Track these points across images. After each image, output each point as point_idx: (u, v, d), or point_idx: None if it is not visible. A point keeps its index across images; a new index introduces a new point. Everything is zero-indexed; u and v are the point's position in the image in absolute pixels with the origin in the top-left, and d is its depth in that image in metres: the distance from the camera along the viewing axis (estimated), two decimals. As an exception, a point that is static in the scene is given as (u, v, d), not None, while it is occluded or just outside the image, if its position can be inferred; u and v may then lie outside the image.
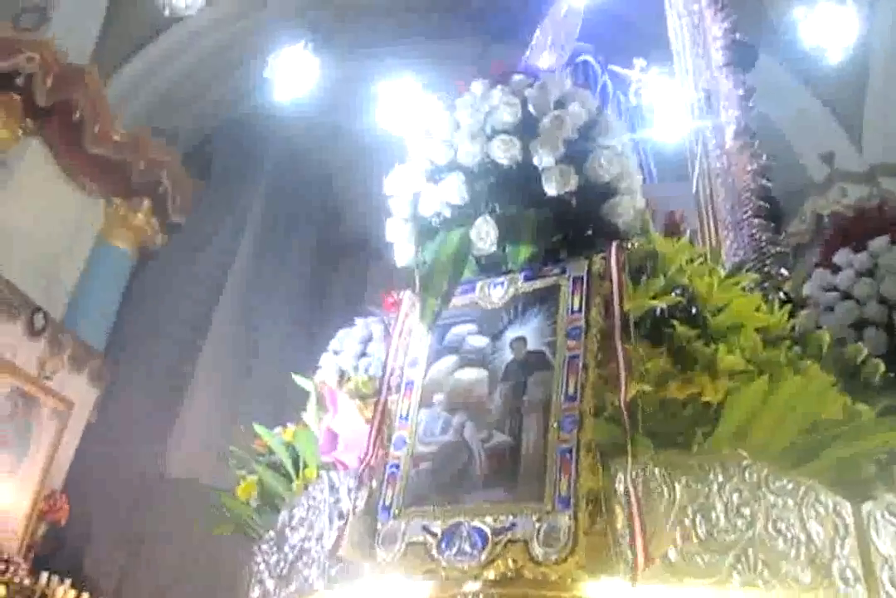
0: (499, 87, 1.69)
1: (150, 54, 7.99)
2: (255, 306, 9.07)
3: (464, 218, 1.59)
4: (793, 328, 1.79)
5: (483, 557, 1.25)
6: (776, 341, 1.63)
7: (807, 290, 2.22)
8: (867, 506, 1.53)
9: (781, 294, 1.91)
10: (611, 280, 1.41)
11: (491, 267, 1.62)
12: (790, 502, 1.47)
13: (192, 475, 7.44)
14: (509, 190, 1.58)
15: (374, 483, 1.45)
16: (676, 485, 1.38)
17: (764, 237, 1.99)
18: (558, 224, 1.58)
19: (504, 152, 1.55)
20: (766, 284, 1.86)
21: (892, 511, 1.53)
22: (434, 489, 1.38)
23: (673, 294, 1.49)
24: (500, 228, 1.54)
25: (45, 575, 6.75)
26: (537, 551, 1.21)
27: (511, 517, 1.26)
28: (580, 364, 1.35)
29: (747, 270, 1.83)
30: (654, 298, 1.47)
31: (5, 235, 7.10)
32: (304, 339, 8.58)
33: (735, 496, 1.42)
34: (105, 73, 7.75)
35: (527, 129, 1.61)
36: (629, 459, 1.23)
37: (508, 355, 1.45)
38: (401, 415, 1.51)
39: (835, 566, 1.44)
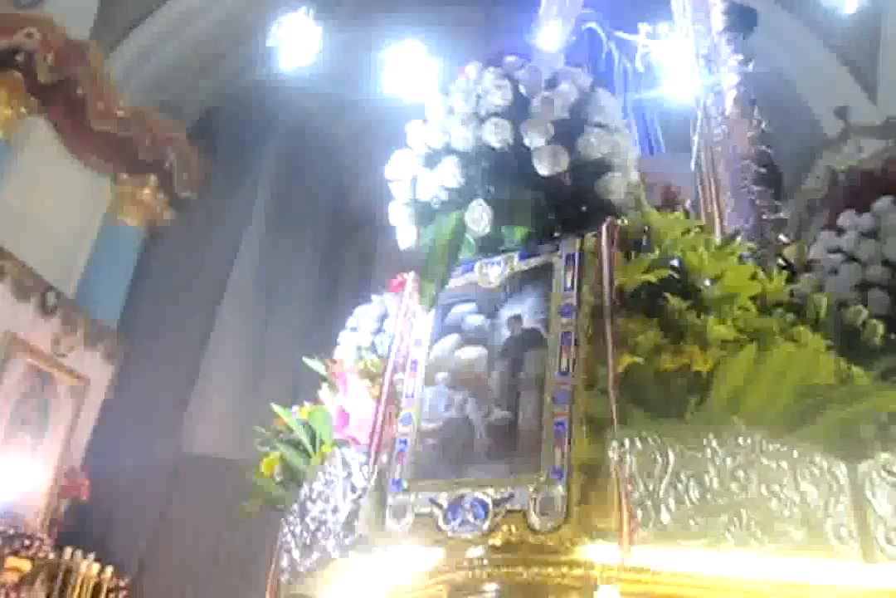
0: (490, 69, 1.72)
1: (150, 29, 7.94)
2: (267, 280, 9.15)
3: (460, 201, 1.64)
4: (792, 294, 1.82)
5: (485, 526, 1.33)
6: (773, 308, 1.67)
7: (813, 253, 2.24)
8: (863, 466, 1.58)
9: (780, 261, 1.93)
10: (601, 257, 1.45)
11: (489, 247, 1.67)
12: (784, 464, 1.52)
13: (212, 451, 7.60)
14: (503, 172, 1.62)
15: (384, 459, 1.53)
16: (670, 452, 1.44)
17: (763, 204, 2.00)
18: (553, 203, 1.62)
19: (496, 136, 1.58)
20: (764, 251, 1.88)
21: (889, 470, 1.58)
22: (440, 464, 1.46)
23: (666, 267, 1.53)
24: (496, 210, 1.58)
25: (69, 550, 6.93)
26: (534, 519, 1.28)
27: (510, 489, 1.33)
28: (572, 341, 1.40)
29: (747, 239, 1.86)
30: (646, 272, 1.52)
31: (14, 214, 7.16)
32: (317, 312, 8.71)
33: (729, 461, 1.48)
34: (106, 49, 7.68)
35: (519, 110, 1.64)
36: (615, 433, 1.29)
37: (505, 333, 1.51)
38: (407, 393, 1.58)
39: (828, 524, 1.50)
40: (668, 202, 1.78)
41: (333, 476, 1.68)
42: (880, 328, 1.82)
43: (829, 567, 1.47)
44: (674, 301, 1.53)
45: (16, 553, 6.59)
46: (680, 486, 1.42)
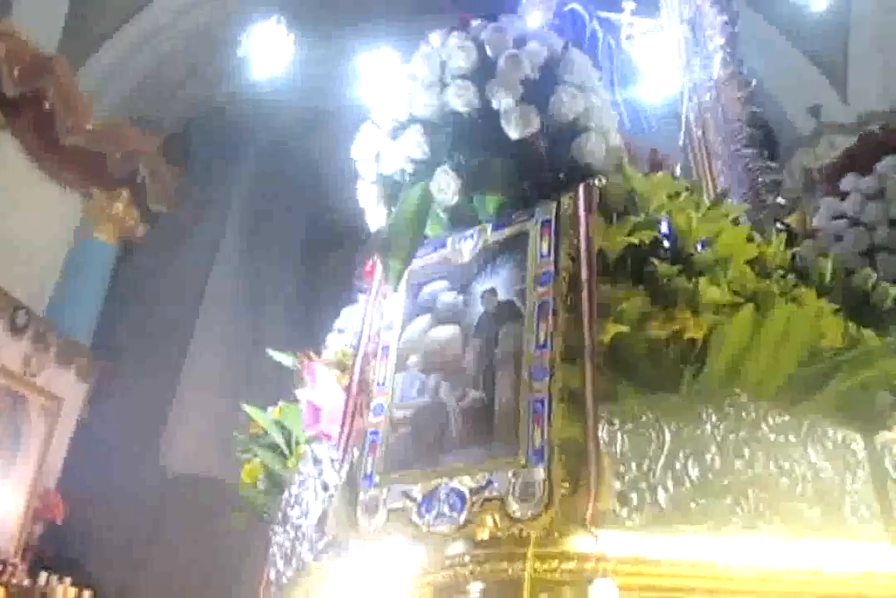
0: (455, 33, 1.61)
1: (121, 42, 7.81)
2: (245, 295, 9.01)
3: (428, 173, 1.53)
4: (793, 258, 1.69)
5: (462, 518, 1.20)
6: (772, 272, 1.54)
7: (815, 221, 2.11)
8: (881, 437, 1.45)
9: (778, 224, 1.80)
10: (576, 219, 1.33)
11: (462, 221, 1.55)
12: (793, 438, 1.39)
13: (191, 470, 7.44)
14: (471, 139, 1.51)
15: (356, 453, 1.41)
16: (665, 429, 1.31)
17: (757, 166, 1.87)
18: (527, 170, 1.50)
19: (460, 99, 1.47)
20: (761, 214, 1.75)
21: (911, 441, 1.44)
22: (414, 454, 1.33)
23: (652, 229, 1.40)
24: (465, 178, 1.47)
25: (44, 575, 6.67)
26: (513, 507, 1.15)
27: (487, 475, 1.21)
28: (550, 310, 1.28)
29: (744, 201, 1.73)
30: (630, 235, 1.39)
31: (-19, 232, 7.03)
32: (297, 326, 8.59)
33: (731, 437, 1.35)
34: (75, 63, 7.52)
35: (485, 73, 1.53)
36: (589, 406, 1.16)
37: (480, 309, 1.39)
38: (378, 382, 1.46)
39: (846, 502, 1.36)
40: (655, 167, 1.65)
41: (306, 476, 1.56)
42: (893, 291, 1.69)
43: (848, 550, 1.33)
44: (662, 266, 1.41)
45: (-12, 580, 6.42)
46: (678, 465, 1.30)
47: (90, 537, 7.41)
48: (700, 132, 2.03)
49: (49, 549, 7.18)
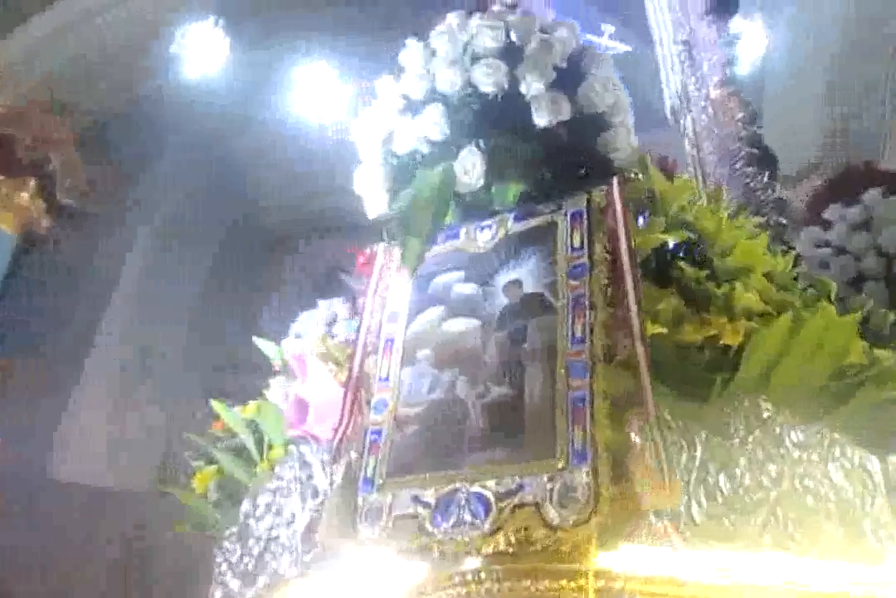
0: (477, 15, 1.53)
1: (44, 24, 7.42)
2: (153, 301, 8.59)
3: (444, 156, 1.42)
4: (795, 278, 1.66)
5: (487, 526, 1.07)
6: (781, 286, 1.50)
7: (798, 249, 2.11)
8: (895, 458, 1.41)
9: (781, 243, 1.79)
10: (614, 212, 1.25)
11: (475, 211, 1.45)
12: (815, 456, 1.33)
13: (80, 479, 6.96)
14: (494, 122, 1.42)
15: (353, 454, 1.26)
16: (696, 439, 1.23)
17: (759, 185, 1.87)
18: (548, 160, 1.42)
19: (488, 78, 1.38)
20: (767, 233, 1.72)
21: (924, 463, 1.41)
22: (424, 455, 1.20)
23: (681, 231, 1.34)
24: (487, 163, 1.37)
25: None
26: (552, 514, 1.03)
27: (517, 479, 1.09)
28: (587, 304, 1.18)
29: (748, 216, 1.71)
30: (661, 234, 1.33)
31: None
32: (205, 335, 8.25)
33: (759, 452, 1.28)
34: None
35: (511, 57, 1.45)
36: (648, 401, 1.07)
37: (502, 301, 1.28)
38: (380, 377, 1.33)
39: (867, 523, 1.31)
40: (664, 171, 1.60)
41: (288, 481, 1.39)
42: (890, 317, 1.69)
43: (870, 574, 1.27)
44: (690, 270, 1.34)
45: None
46: (710, 479, 1.21)
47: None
48: (695, 151, 2.01)
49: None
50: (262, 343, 1.72)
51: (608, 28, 3.05)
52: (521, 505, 1.06)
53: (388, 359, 1.34)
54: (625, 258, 1.20)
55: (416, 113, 1.46)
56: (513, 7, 1.64)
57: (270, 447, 1.57)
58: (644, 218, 1.42)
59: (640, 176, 1.42)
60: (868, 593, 1.26)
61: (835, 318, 1.31)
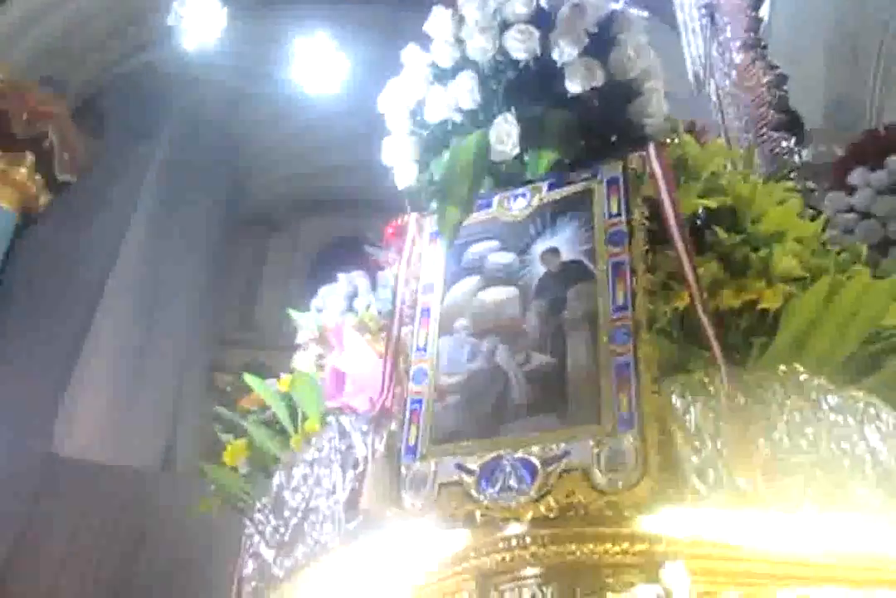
0: (504, -20, 1.51)
1: (29, 0, 7.27)
2: (151, 275, 8.50)
3: (476, 124, 1.41)
4: (824, 243, 1.66)
5: (533, 491, 1.08)
6: (822, 249, 1.50)
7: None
8: (930, 421, 1.41)
9: (809, 208, 1.77)
10: (654, 178, 1.25)
11: (507, 180, 1.44)
12: (850, 420, 1.34)
13: (84, 454, 6.97)
14: (526, 89, 1.40)
15: (394, 423, 1.27)
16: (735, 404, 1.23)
17: (785, 150, 1.85)
18: (581, 127, 1.41)
19: (521, 44, 1.37)
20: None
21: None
22: (466, 423, 1.21)
23: (719, 196, 1.33)
24: (521, 131, 1.36)
25: None
26: (600, 478, 1.04)
27: (563, 445, 1.10)
28: (627, 270, 1.18)
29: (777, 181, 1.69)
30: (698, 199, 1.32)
31: None
32: (204, 308, 8.23)
33: (796, 415, 1.28)
34: None
35: (541, 23, 1.43)
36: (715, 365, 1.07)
37: (540, 269, 1.28)
38: (417, 346, 1.33)
39: (905, 485, 1.32)
40: (694, 136, 1.59)
41: (328, 452, 1.40)
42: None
43: (909, 535, 1.28)
44: (725, 235, 1.34)
45: None
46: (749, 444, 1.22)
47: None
48: (719, 116, 1.99)
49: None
50: (296, 315, 1.72)
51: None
52: (568, 470, 1.07)
53: (425, 329, 1.34)
54: (672, 223, 1.19)
55: (446, 81, 1.45)
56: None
57: (304, 419, 1.58)
58: (683, 180, 1.42)
59: (673, 141, 1.40)
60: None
61: (871, 282, 1.30)
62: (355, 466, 1.32)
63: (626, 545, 1.12)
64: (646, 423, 1.05)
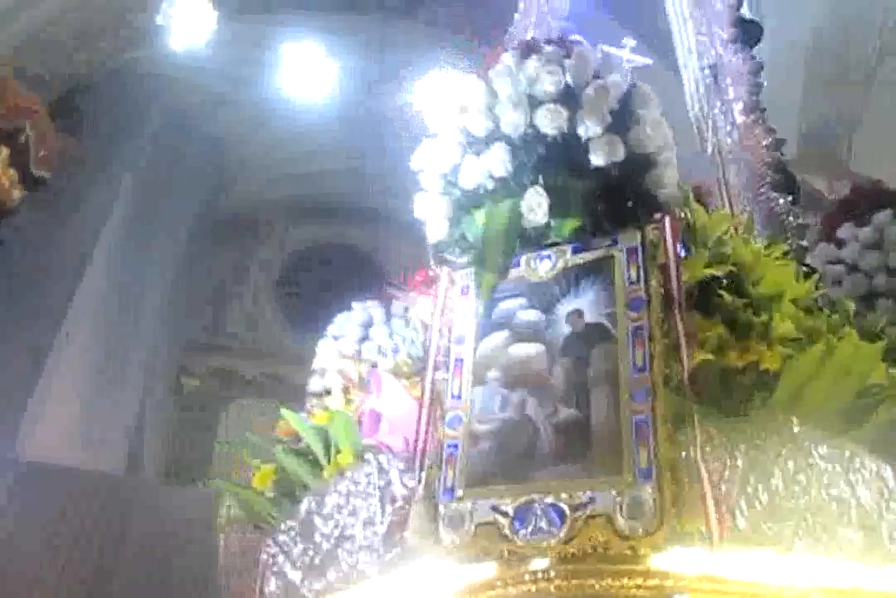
0: (533, 56, 1.65)
1: None
2: (123, 279, 8.47)
3: (506, 190, 1.56)
4: (815, 300, 1.81)
5: (563, 534, 1.22)
6: (807, 310, 1.65)
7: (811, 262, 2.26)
8: (908, 468, 1.57)
9: (803, 266, 1.93)
10: (665, 250, 1.40)
11: (532, 242, 1.58)
12: (838, 467, 1.49)
13: (50, 459, 6.93)
14: (553, 161, 1.55)
15: (432, 465, 1.41)
16: (737, 453, 1.38)
17: (782, 210, 2.01)
18: (602, 196, 1.56)
19: (551, 122, 1.51)
20: (788, 256, 1.87)
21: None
22: (499, 468, 1.35)
23: (725, 263, 1.49)
24: (549, 200, 1.50)
25: None
26: (622, 524, 1.19)
27: (588, 492, 1.24)
28: (646, 335, 1.33)
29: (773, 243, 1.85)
30: (706, 268, 1.47)
31: None
32: (177, 314, 8.19)
33: (790, 464, 1.43)
34: None
35: (568, 99, 1.58)
36: (696, 430, 1.22)
37: (565, 329, 1.42)
38: (452, 394, 1.47)
39: (884, 527, 1.47)
40: (699, 200, 1.74)
41: (366, 486, 1.53)
42: (903, 335, 1.84)
43: (887, 574, 1.44)
44: (730, 299, 1.49)
45: None
46: (749, 489, 1.36)
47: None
48: (721, 173, 2.15)
49: None
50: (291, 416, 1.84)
51: (629, 42, 3.16)
52: (594, 516, 1.21)
53: (459, 378, 1.48)
54: (675, 293, 1.34)
55: (480, 149, 1.59)
56: (560, 43, 1.76)
57: (338, 452, 1.71)
58: (685, 249, 1.57)
59: (684, 211, 1.55)
60: (886, 590, 1.42)
61: (860, 345, 1.46)
62: (393, 501, 1.46)
63: (640, 581, 1.27)
64: (663, 477, 1.19)
